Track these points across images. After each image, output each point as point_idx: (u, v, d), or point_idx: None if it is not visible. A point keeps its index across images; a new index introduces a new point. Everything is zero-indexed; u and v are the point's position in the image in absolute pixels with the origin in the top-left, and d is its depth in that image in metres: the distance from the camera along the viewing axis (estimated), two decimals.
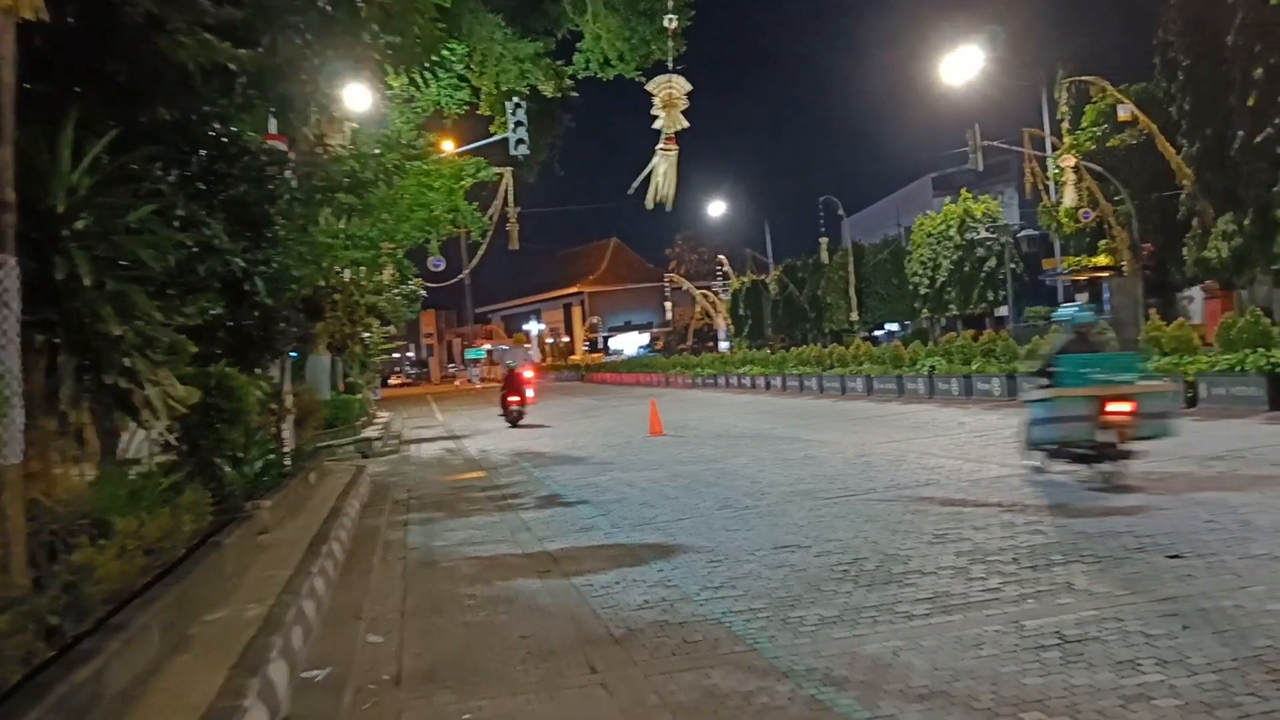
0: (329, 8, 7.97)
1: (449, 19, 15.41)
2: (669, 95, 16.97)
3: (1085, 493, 10.59)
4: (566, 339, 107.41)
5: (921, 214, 54.84)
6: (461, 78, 20.56)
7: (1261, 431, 14.66)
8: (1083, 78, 38.95)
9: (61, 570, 5.13)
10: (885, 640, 6.07)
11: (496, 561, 9.71)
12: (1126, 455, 10.78)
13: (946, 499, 10.96)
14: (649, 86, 17.40)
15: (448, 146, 24.83)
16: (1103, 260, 41.14)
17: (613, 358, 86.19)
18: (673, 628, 6.76)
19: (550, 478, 15.94)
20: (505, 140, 26.21)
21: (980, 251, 49.19)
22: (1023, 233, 49.10)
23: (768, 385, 38.15)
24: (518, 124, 25.51)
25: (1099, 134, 38.55)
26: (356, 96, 15.75)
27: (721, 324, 76.64)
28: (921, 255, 51.90)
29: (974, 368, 25.79)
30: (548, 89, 22.56)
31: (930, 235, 51.41)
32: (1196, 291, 39.29)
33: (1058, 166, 39.35)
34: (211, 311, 8.88)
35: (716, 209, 71.66)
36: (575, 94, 23.63)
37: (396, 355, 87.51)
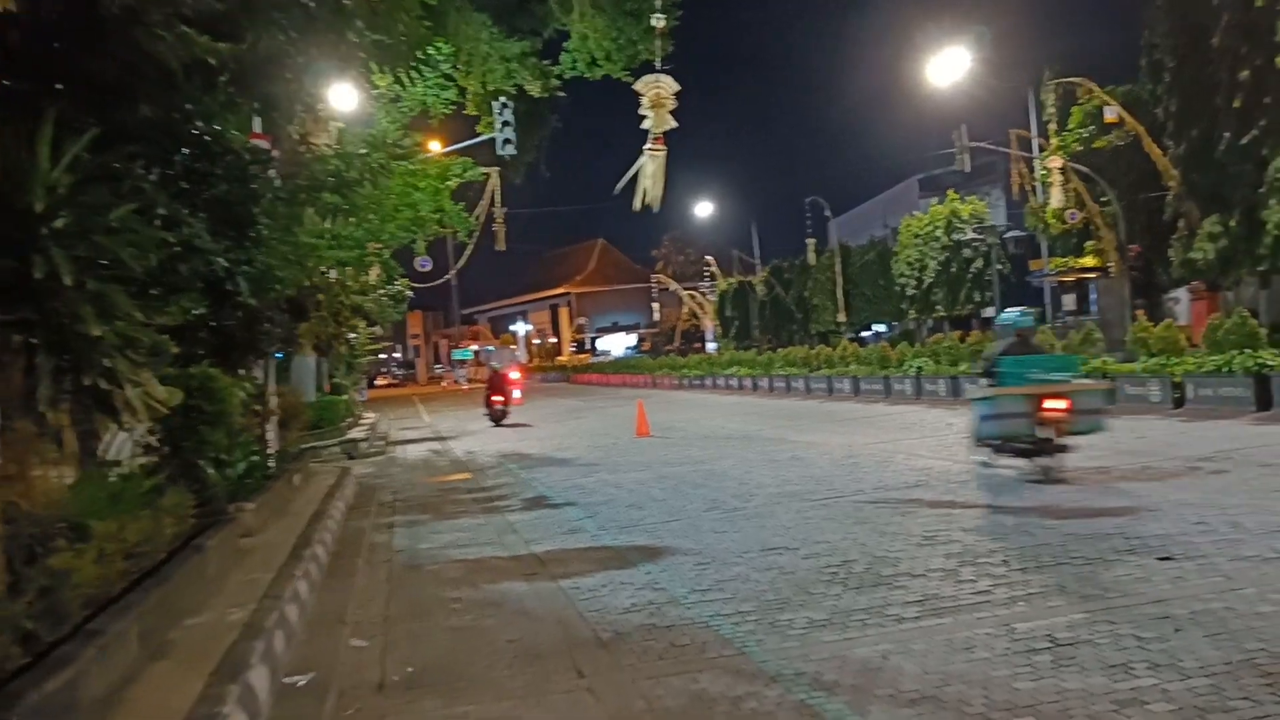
0: (312, 4, 7.87)
1: (435, 17, 15.31)
2: (657, 95, 16.87)
3: (1074, 494, 10.57)
4: (554, 340, 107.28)
5: (908, 215, 54.89)
6: (448, 77, 20.43)
7: (1249, 432, 14.67)
8: (1069, 79, 39.01)
9: (38, 575, 5.03)
10: (875, 644, 6.01)
11: (482, 564, 9.63)
12: (1063, 449, 11.42)
13: (935, 500, 10.93)
14: (637, 86, 17.30)
15: (434, 147, 24.69)
16: (1089, 261, 41.26)
17: (600, 359, 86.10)
18: (660, 631, 6.69)
19: (537, 479, 15.87)
20: (492, 140, 26.09)
21: (967, 252, 49.27)
22: (1009, 234, 49.12)
23: (755, 386, 38.12)
24: (505, 124, 25.41)
25: (1085, 135, 38.61)
26: (342, 96, 15.67)
27: (708, 325, 76.66)
28: (908, 256, 51.95)
29: (961, 369, 25.80)
30: (534, 89, 22.45)
31: (917, 236, 51.47)
32: (1183, 293, 39.40)
33: (1044, 167, 39.41)
34: (194, 312, 8.78)
35: (704, 210, 71.69)
36: (562, 94, 23.50)
37: (383, 356, 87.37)
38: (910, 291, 51.94)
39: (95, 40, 6.49)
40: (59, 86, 6.76)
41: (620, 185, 18.11)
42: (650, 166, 17.46)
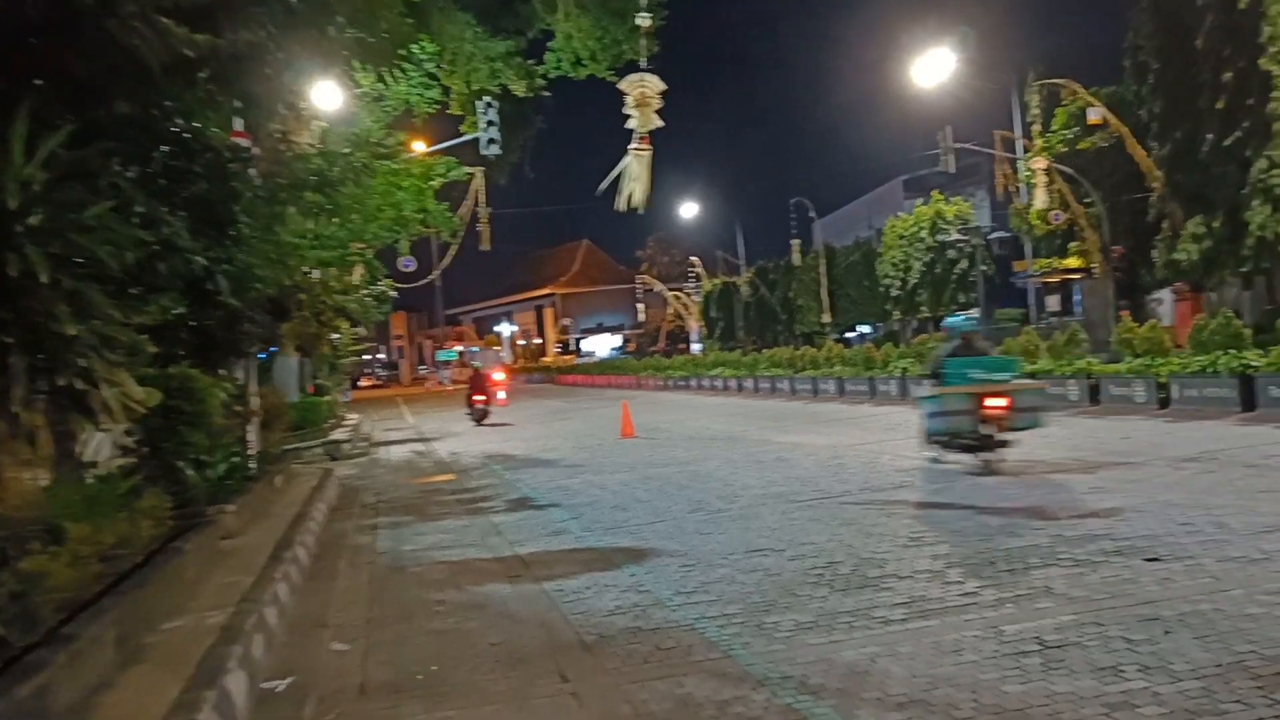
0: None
1: (418, 15, 15.22)
2: (642, 94, 16.78)
3: (1061, 494, 10.54)
4: (538, 341, 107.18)
5: (893, 216, 55.07)
6: (432, 76, 20.35)
7: (1234, 433, 14.67)
8: (1053, 80, 39.14)
9: (10, 579, 4.93)
10: (862, 646, 5.95)
11: (466, 566, 9.53)
12: (1004, 444, 12.21)
13: (921, 501, 10.89)
14: (621, 85, 17.20)
15: (418, 147, 24.57)
16: (1073, 262, 41.40)
17: (584, 360, 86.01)
18: (645, 634, 6.61)
19: (521, 480, 15.78)
20: (476, 140, 25.99)
21: (951, 253, 49.43)
22: (994, 235, 49.32)
23: (739, 387, 38.08)
24: (489, 123, 25.31)
25: (1070, 136, 38.75)
26: (325, 95, 15.55)
27: (693, 326, 76.69)
28: (893, 257, 52.08)
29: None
30: (519, 89, 22.37)
31: (902, 237, 51.61)
32: (1166, 294, 39.55)
33: (1029, 169, 39.53)
34: (174, 311, 8.69)
35: (688, 211, 71.60)
36: (547, 94, 23.42)
37: (366, 357, 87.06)
38: (895, 292, 52.07)
39: (71, 35, 6.39)
40: (35, 82, 6.66)
41: (604, 185, 18.03)
42: (635, 166, 17.37)
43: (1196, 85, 31.09)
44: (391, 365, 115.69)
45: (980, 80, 40.51)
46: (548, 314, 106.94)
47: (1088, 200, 38.47)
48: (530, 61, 22.00)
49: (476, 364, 36.43)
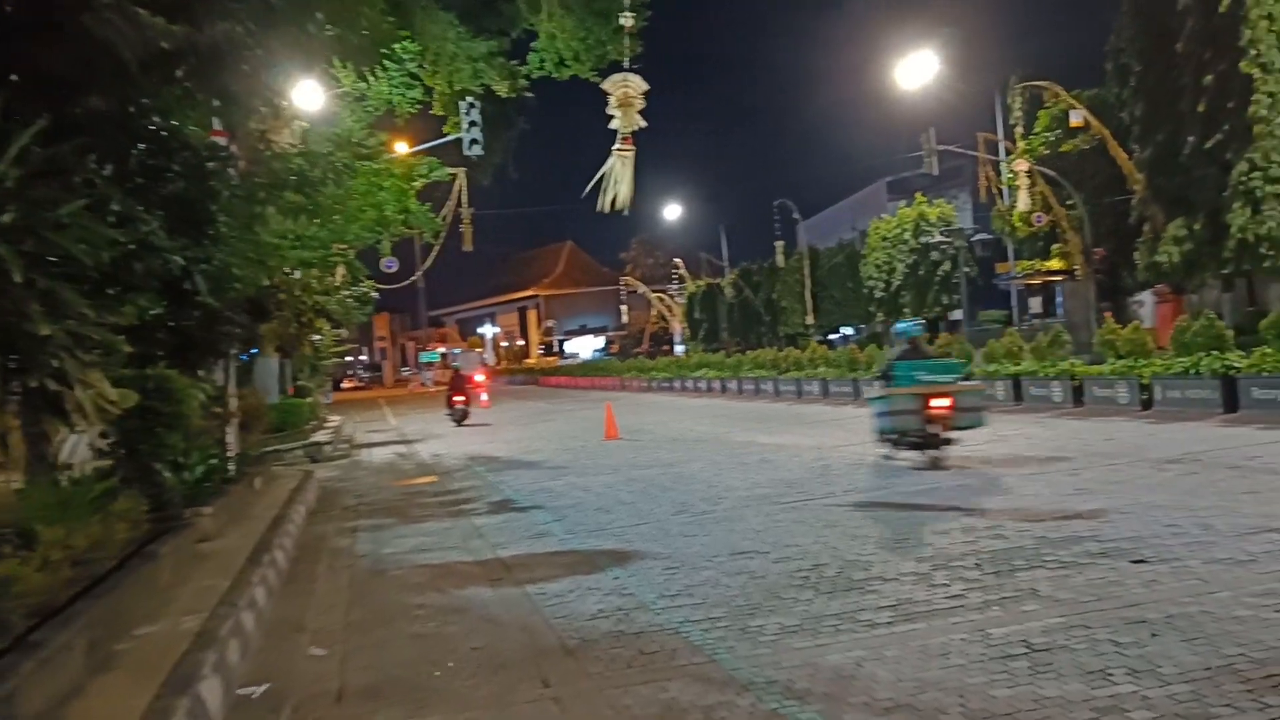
0: None
1: (399, 14, 15.13)
2: (625, 94, 16.72)
3: (1045, 496, 10.50)
4: (521, 343, 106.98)
5: (877, 218, 55.12)
6: (414, 76, 20.24)
7: (1217, 434, 14.67)
8: (1036, 83, 39.25)
9: None
10: (848, 650, 5.88)
11: (447, 570, 9.43)
12: (948, 442, 12.98)
13: (906, 503, 10.82)
14: (604, 85, 17.13)
15: (401, 147, 24.45)
16: (1055, 264, 41.51)
17: (568, 361, 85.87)
18: (628, 638, 6.53)
19: (504, 482, 15.68)
20: (459, 141, 25.90)
21: (935, 255, 49.50)
22: (977, 237, 49.36)
23: (723, 389, 38.04)
24: (472, 124, 25.22)
25: (1052, 139, 38.88)
26: (306, 94, 15.43)
27: (677, 327, 76.68)
28: (877, 259, 52.13)
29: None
30: (502, 89, 22.27)
31: (885, 239, 51.67)
32: (1148, 295, 39.68)
33: (1011, 171, 39.64)
34: (151, 311, 8.57)
35: (672, 212, 71.65)
36: (530, 94, 23.34)
37: (349, 358, 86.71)
38: (878, 294, 52.13)
39: (45, 28, 6.28)
40: (9, 77, 6.56)
41: (589, 188, 17.94)
42: (619, 167, 17.30)
43: (1178, 88, 31.19)
44: (374, 367, 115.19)
45: (963, 83, 40.79)
46: (531, 316, 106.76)
47: (1070, 202, 38.58)
48: (513, 62, 21.91)
49: (457, 365, 36.47)
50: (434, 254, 41.79)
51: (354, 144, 17.39)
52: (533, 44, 21.20)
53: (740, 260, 69.99)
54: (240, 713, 5.42)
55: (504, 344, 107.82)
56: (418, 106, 21.73)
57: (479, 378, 30.78)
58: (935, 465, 12.87)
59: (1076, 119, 36.90)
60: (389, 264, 38.37)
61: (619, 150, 17.28)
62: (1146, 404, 18.38)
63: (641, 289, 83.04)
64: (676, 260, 79.81)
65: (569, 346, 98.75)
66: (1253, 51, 28.61)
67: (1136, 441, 14.54)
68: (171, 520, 8.55)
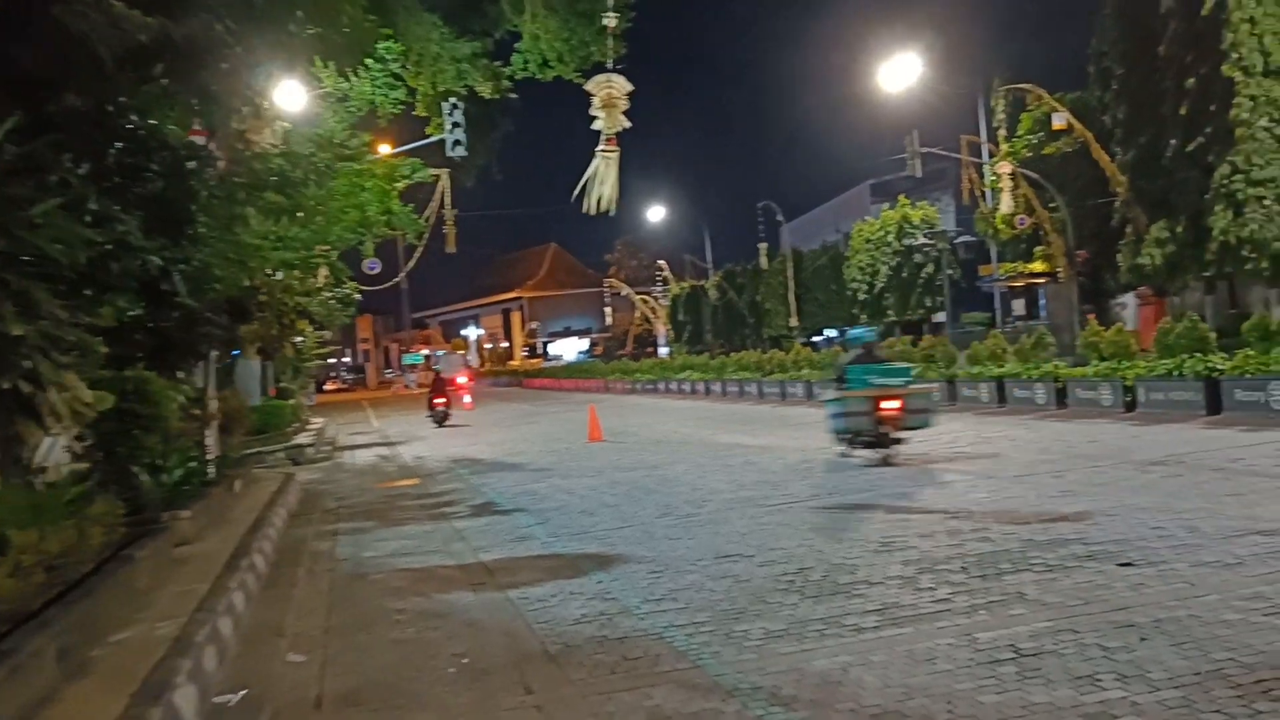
0: None
1: (383, 14, 15.02)
2: (609, 95, 16.65)
3: (1030, 498, 10.47)
4: (506, 344, 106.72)
5: (860, 220, 55.18)
6: (396, 76, 20.14)
7: (1200, 436, 14.67)
8: (1019, 85, 39.33)
9: None
10: (834, 655, 5.81)
11: (429, 574, 9.34)
12: (898, 441, 13.71)
13: (891, 505, 10.77)
14: (588, 86, 17.06)
15: (384, 149, 24.30)
16: (1038, 266, 41.59)
17: (552, 363, 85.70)
18: (612, 643, 6.45)
19: (487, 485, 15.58)
20: (442, 142, 25.78)
21: (918, 257, 49.57)
22: (960, 239, 49.47)
23: (707, 391, 38.00)
24: (455, 125, 25.10)
25: (1035, 141, 38.93)
26: (288, 95, 15.30)
27: (661, 329, 76.59)
28: (860, 261, 52.18)
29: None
30: (485, 90, 22.19)
31: (869, 241, 51.72)
32: (1130, 298, 39.79)
33: (994, 173, 39.71)
34: (129, 313, 8.45)
35: (656, 214, 71.52)
36: (514, 95, 23.27)
37: (332, 360, 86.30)
38: (862, 296, 52.17)
39: (16, 22, 6.17)
40: None
41: (578, 191, 17.86)
42: (603, 168, 17.23)
43: (1160, 91, 31.28)
44: (358, 368, 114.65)
45: (946, 85, 40.74)
46: (515, 317, 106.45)
47: (1053, 205, 38.65)
48: (497, 63, 21.84)
49: (438, 368, 36.70)
50: (417, 255, 41.61)
51: (336, 145, 17.26)
52: (516, 45, 21.14)
53: (724, 262, 69.99)
54: None
55: (488, 346, 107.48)
56: (401, 107, 21.63)
57: (462, 380, 30.79)
58: (886, 463, 13.56)
59: (1059, 122, 36.96)
60: (372, 265, 38.13)
61: (603, 151, 17.21)
62: (1130, 406, 18.39)
63: (626, 291, 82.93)
64: (661, 262, 79.74)
65: (553, 348, 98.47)
66: (1235, 55, 28.71)
67: (1120, 443, 14.54)
68: (149, 524, 8.42)
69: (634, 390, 45.64)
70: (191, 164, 9.24)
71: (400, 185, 22.33)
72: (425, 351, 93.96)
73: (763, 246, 59.56)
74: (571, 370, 65.53)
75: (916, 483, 12.21)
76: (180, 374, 11.60)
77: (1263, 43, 28.72)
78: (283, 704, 5.74)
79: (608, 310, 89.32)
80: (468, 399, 37.51)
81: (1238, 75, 28.65)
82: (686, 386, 40.21)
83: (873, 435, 13.68)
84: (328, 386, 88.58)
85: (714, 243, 69.62)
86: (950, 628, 6.14)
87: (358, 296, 33.59)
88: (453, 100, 24.47)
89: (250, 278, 13.86)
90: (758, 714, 5.02)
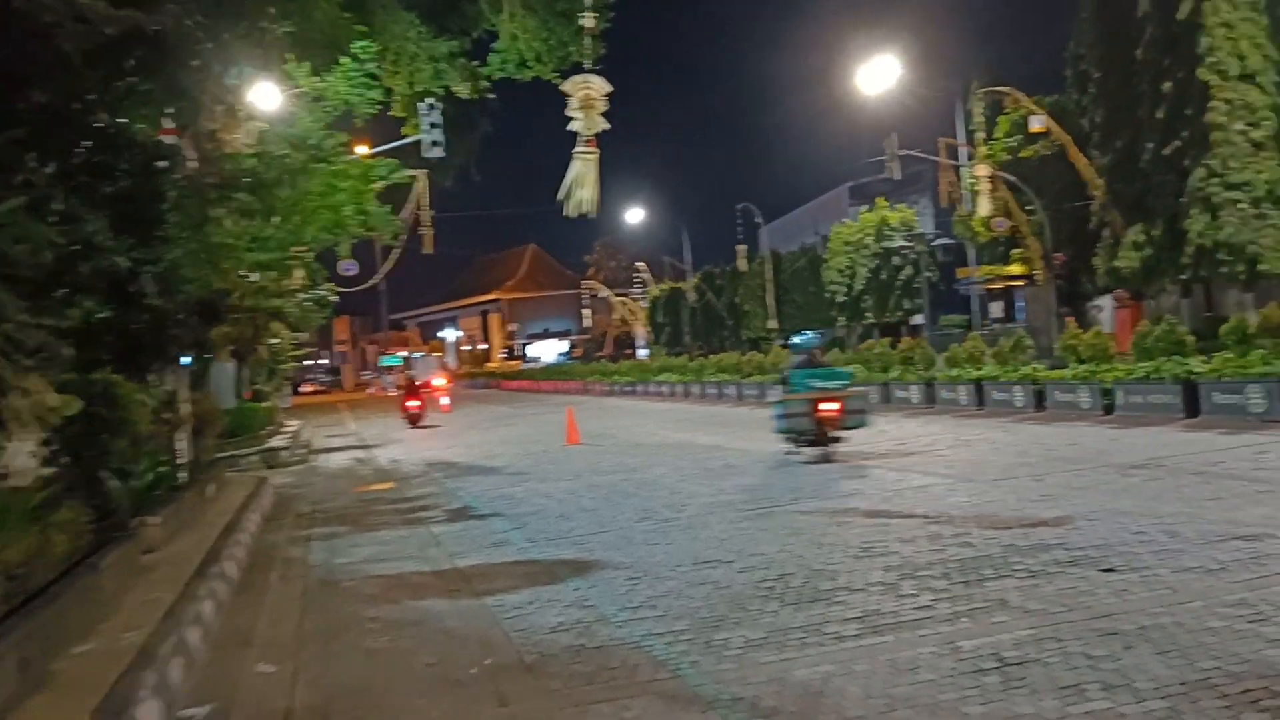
0: None
1: (358, 12, 14.85)
2: (586, 96, 16.55)
3: (1011, 502, 10.41)
4: (484, 346, 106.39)
5: (839, 222, 55.27)
6: (373, 76, 19.90)
7: (1179, 439, 14.66)
8: (997, 89, 39.45)
9: None
10: (815, 664, 5.70)
11: (403, 580, 9.19)
12: (836, 440, 14.77)
13: (871, 510, 10.69)
14: (564, 87, 16.96)
15: (361, 150, 24.07)
16: (1016, 269, 41.73)
17: (530, 365, 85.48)
18: (589, 653, 6.33)
19: (463, 488, 15.43)
20: (419, 143, 25.59)
21: (896, 260, 49.69)
22: (938, 242, 49.68)
23: (686, 393, 37.91)
24: (432, 125, 24.92)
25: (1013, 144, 39.08)
26: (263, 95, 15.10)
27: (640, 331, 76.47)
28: (839, 263, 52.24)
29: (893, 375, 25.79)
30: (463, 90, 21.98)
31: (847, 244, 51.79)
32: (1107, 301, 39.96)
33: (973, 176, 39.82)
34: (97, 314, 8.28)
35: (635, 216, 71.49)
36: (492, 95, 23.10)
37: (308, 362, 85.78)
38: (840, 298, 52.24)
39: None
40: None
41: (561, 194, 17.72)
42: (582, 170, 17.10)
43: (1137, 95, 31.45)
44: (334, 370, 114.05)
45: (925, 88, 40.81)
46: (494, 319, 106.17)
47: (1030, 208, 38.80)
48: (475, 63, 21.65)
49: (411, 372, 37.06)
50: (394, 257, 41.41)
51: (311, 146, 17.05)
52: (494, 45, 20.94)
53: (703, 264, 69.96)
54: None
55: (466, 348, 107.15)
56: (377, 107, 21.38)
57: (438, 382, 30.68)
58: (826, 459, 14.58)
59: (1037, 125, 37.13)
60: (348, 267, 37.81)
61: (581, 153, 17.09)
62: (1108, 409, 18.40)
63: (605, 292, 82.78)
64: (640, 263, 79.65)
65: (531, 350, 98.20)
66: (1210, 59, 28.91)
67: (1100, 446, 14.52)
68: (117, 530, 8.25)
69: (613, 392, 45.50)
70: (161, 163, 9.08)
71: (376, 186, 22.11)
72: (403, 353, 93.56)
73: (741, 248, 59.60)
74: (550, 372, 65.35)
75: (894, 486, 12.13)
76: (151, 377, 11.41)
77: (1238, 47, 28.92)
78: (251, 716, 5.60)
79: (586, 312, 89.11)
80: (445, 400, 37.38)
81: (1213, 79, 28.85)
82: (665, 388, 40.11)
83: (813, 434, 14.66)
84: (304, 389, 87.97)
85: (693, 244, 69.85)
86: (933, 636, 6.04)
87: (334, 298, 33.32)
88: (430, 100, 24.28)
89: (222, 279, 13.68)
90: None
